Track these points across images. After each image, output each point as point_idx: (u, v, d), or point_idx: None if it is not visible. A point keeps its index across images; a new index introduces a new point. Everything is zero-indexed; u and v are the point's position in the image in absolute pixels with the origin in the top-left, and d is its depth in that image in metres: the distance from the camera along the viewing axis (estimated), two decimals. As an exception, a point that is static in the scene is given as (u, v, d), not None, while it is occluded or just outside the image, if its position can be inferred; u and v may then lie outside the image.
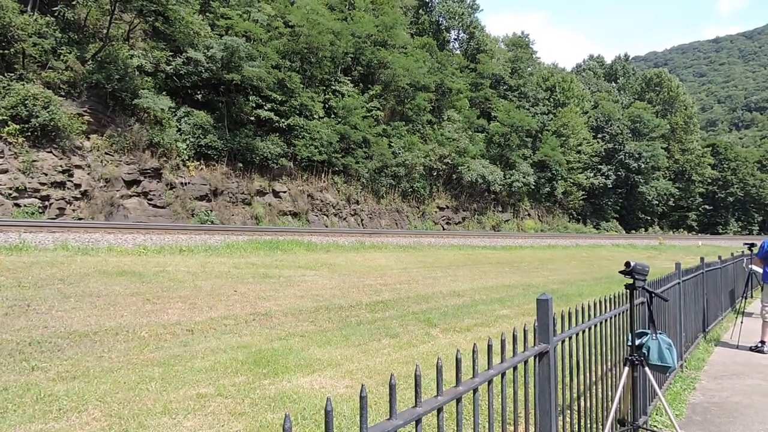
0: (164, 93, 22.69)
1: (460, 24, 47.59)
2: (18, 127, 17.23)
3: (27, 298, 7.13)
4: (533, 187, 43.20)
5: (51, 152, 18.10)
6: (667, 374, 4.93)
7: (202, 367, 5.53)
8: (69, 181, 18.22)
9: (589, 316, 3.32)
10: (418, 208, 34.39)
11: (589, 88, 63.66)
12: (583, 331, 3.19)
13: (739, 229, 66.81)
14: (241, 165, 24.78)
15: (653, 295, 3.97)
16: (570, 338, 2.97)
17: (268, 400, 4.67)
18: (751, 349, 7.28)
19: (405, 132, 34.09)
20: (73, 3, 20.36)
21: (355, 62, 33.75)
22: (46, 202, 17.45)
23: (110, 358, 5.72)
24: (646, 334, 3.86)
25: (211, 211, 22.61)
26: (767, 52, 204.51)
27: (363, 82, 33.77)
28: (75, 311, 6.96)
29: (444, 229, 34.85)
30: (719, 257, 9.19)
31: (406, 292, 10.89)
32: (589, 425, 3.30)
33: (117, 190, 19.67)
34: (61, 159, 18.28)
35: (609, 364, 3.76)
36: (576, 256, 23.08)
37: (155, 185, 20.88)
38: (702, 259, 7.81)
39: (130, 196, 20.09)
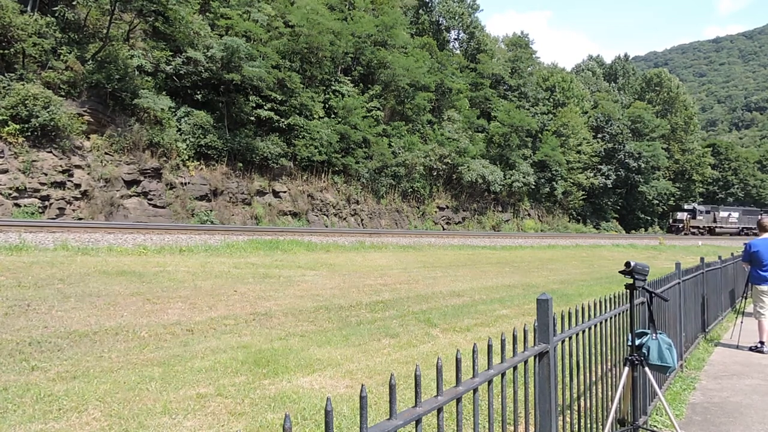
0: (164, 93, 22.70)
1: (460, 24, 47.57)
2: (18, 127, 17.23)
3: (27, 298, 7.13)
4: (533, 187, 43.18)
5: (51, 152, 18.11)
6: (667, 374, 4.93)
7: (202, 367, 5.53)
8: (69, 181, 18.23)
9: (589, 316, 3.32)
10: (418, 208, 34.39)
11: (589, 88, 63.64)
12: (583, 331, 3.19)
13: (739, 229, 66.82)
14: (241, 165, 24.78)
15: (653, 295, 3.97)
16: (570, 338, 2.97)
17: (268, 400, 4.67)
18: (750, 349, 7.28)
19: (405, 132, 34.09)
20: (73, 3, 20.36)
21: (355, 62, 33.75)
22: (46, 202, 17.45)
23: (110, 358, 5.72)
24: (646, 334, 3.86)
25: (211, 211, 22.62)
26: (767, 52, 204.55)
27: (363, 82, 33.76)
28: (75, 311, 6.96)
29: (444, 229, 34.86)
30: (719, 257, 9.19)
31: (406, 292, 10.89)
32: (589, 425, 3.30)
33: (117, 190, 19.68)
34: (61, 159, 18.28)
35: (609, 364, 3.76)
36: (576, 256, 23.08)
37: (155, 185, 20.89)
38: (702, 259, 7.81)
39: (130, 196, 20.10)
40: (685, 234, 49.11)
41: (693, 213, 51.32)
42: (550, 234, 37.98)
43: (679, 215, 51.98)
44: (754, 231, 53.66)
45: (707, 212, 52.04)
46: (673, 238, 42.13)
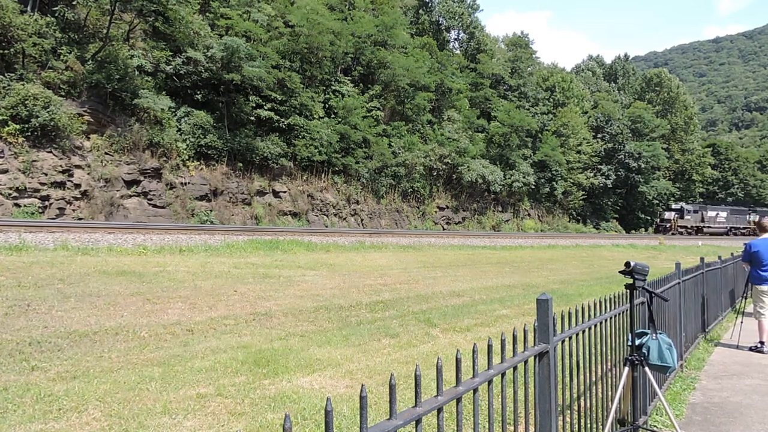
0: (164, 93, 22.69)
1: (460, 24, 47.56)
2: (18, 127, 17.23)
3: (27, 298, 7.13)
4: (533, 187, 43.18)
5: (51, 152, 18.10)
6: (667, 374, 4.93)
7: (202, 367, 5.53)
8: (69, 181, 18.23)
9: (589, 316, 3.32)
10: (418, 208, 34.39)
11: (589, 88, 63.64)
12: (583, 331, 3.19)
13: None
14: (241, 165, 24.78)
15: (653, 295, 3.97)
16: (570, 338, 2.97)
17: (268, 400, 4.67)
18: (750, 349, 7.28)
19: (405, 132, 34.08)
20: (73, 3, 20.36)
21: (355, 62, 33.75)
22: (46, 202, 17.45)
23: (110, 358, 5.72)
24: (646, 334, 3.86)
25: (211, 211, 22.61)
26: (767, 52, 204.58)
27: (363, 82, 33.76)
28: (75, 311, 6.96)
29: (444, 229, 34.86)
30: (719, 257, 9.19)
31: (406, 292, 10.89)
32: (589, 425, 3.30)
33: (117, 190, 19.68)
34: (61, 159, 18.28)
35: (609, 364, 3.76)
36: (576, 256, 23.08)
37: (155, 185, 20.89)
38: (702, 259, 7.81)
39: (130, 196, 20.10)
40: (673, 234, 47.07)
41: (680, 212, 49.41)
42: (550, 234, 37.98)
43: (667, 215, 49.95)
44: (742, 231, 52.70)
45: (695, 212, 50.34)
46: (673, 239, 42.08)
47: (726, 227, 52.44)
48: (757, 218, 56.61)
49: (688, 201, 55.60)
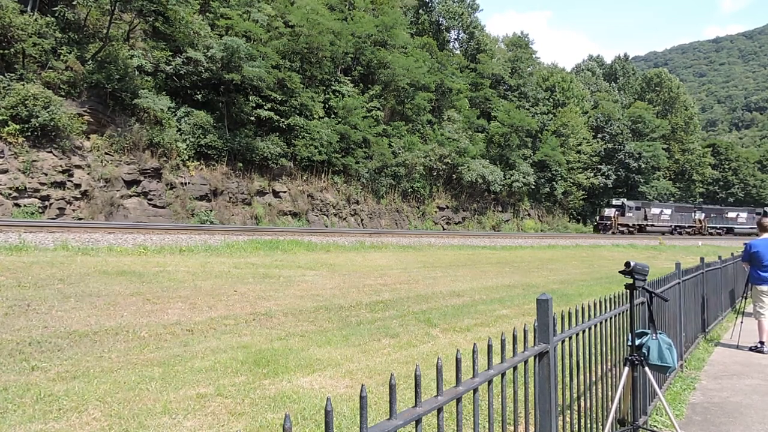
0: (164, 93, 22.69)
1: (460, 24, 47.57)
2: (18, 127, 17.23)
3: (27, 298, 7.13)
4: (533, 187, 43.18)
5: (51, 152, 18.10)
6: (667, 374, 4.93)
7: (202, 367, 5.53)
8: (69, 181, 18.23)
9: (589, 316, 3.32)
10: (418, 208, 34.39)
11: (589, 88, 63.63)
12: (583, 331, 3.19)
13: (739, 229, 66.56)
14: (241, 165, 24.78)
15: (653, 295, 3.97)
16: (570, 338, 2.97)
17: (268, 400, 4.67)
18: (750, 349, 7.28)
19: (405, 132, 34.08)
20: (73, 3, 20.36)
21: (355, 62, 33.75)
22: (46, 202, 17.45)
23: (110, 358, 5.72)
24: (646, 334, 3.86)
25: (211, 211, 22.61)
26: (767, 52, 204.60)
27: (363, 82, 33.76)
28: (75, 311, 6.96)
29: (444, 229, 34.85)
30: (719, 257, 9.19)
31: (406, 292, 10.89)
32: (589, 425, 3.30)
33: (117, 190, 19.68)
34: (61, 159, 18.28)
35: (609, 364, 3.76)
36: (576, 256, 23.08)
37: (155, 185, 20.89)
38: (702, 259, 7.81)
39: (130, 196, 20.10)
40: (613, 233, 43.17)
41: (621, 209, 44.95)
42: (550, 234, 37.98)
43: (607, 212, 45.33)
44: (687, 230, 49.37)
45: (637, 209, 46.27)
46: (673, 238, 41.98)
47: (670, 225, 49.02)
48: (702, 216, 53.72)
49: (629, 198, 51.01)
